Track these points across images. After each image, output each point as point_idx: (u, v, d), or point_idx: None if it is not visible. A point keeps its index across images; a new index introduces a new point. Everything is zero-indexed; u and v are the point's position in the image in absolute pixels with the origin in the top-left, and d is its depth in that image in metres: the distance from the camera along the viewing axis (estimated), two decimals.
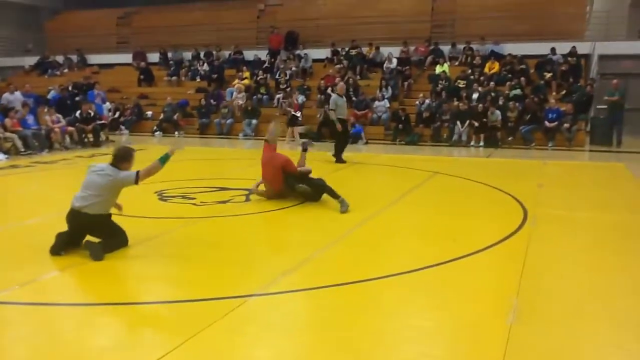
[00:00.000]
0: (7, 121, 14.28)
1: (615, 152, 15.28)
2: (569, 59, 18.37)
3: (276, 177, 7.97)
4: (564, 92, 17.57)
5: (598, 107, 17.56)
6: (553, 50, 18.89)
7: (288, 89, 20.03)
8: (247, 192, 8.18)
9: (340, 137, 12.47)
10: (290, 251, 5.89)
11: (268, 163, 8.05)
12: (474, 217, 7.49)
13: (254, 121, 18.69)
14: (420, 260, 5.42)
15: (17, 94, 16.50)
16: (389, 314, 4.33)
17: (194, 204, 7.89)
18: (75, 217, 5.60)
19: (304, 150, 8.50)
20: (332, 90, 18.83)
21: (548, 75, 18.25)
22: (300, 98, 19.02)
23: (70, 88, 19.40)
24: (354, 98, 18.68)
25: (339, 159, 12.28)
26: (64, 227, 5.70)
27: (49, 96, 19.68)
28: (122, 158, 5.79)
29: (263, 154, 8.18)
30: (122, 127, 19.54)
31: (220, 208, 7.77)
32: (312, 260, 5.53)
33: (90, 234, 5.62)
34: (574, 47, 18.73)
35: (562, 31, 19.80)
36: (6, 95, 16.45)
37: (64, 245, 5.55)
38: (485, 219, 7.36)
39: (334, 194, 7.60)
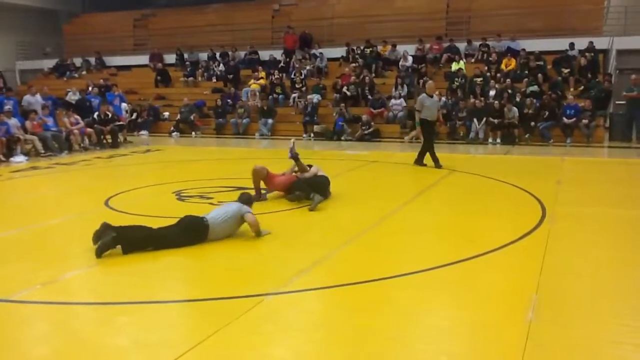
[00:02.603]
0: (28, 123, 14.49)
1: (635, 148, 15.07)
2: (587, 54, 18.14)
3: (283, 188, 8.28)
4: (581, 88, 17.37)
5: (617, 102, 17.33)
6: (572, 45, 18.67)
7: (303, 88, 20.07)
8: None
9: (424, 139, 11.50)
10: (306, 250, 5.91)
11: (279, 185, 8.27)
12: (491, 215, 7.44)
13: (270, 121, 18.74)
14: (437, 259, 5.40)
15: (38, 96, 16.71)
16: (406, 313, 4.32)
17: (212, 204, 7.92)
18: None
19: (295, 158, 8.39)
20: (344, 90, 18.91)
21: (565, 71, 18.05)
22: (316, 97, 19.04)
23: (90, 89, 19.54)
24: (369, 97, 18.67)
25: (418, 160, 11.43)
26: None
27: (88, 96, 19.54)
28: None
29: (278, 179, 8.30)
30: (142, 131, 19.75)
31: None
32: (328, 259, 5.54)
33: None
34: (591, 42, 18.50)
35: (579, 27, 19.59)
36: (27, 97, 16.68)
37: None
38: (503, 217, 7.31)
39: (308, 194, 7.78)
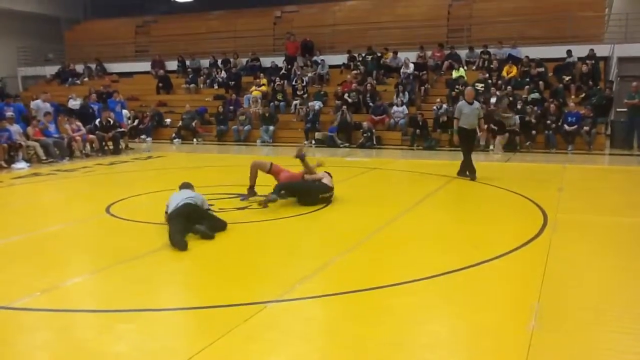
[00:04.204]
0: (29, 130, 14.51)
1: (636, 155, 15.06)
2: (587, 61, 18.17)
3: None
4: (583, 95, 17.39)
5: (618, 110, 17.34)
6: (569, 52, 18.72)
7: (305, 95, 20.10)
8: (264, 199, 8.18)
9: (462, 148, 10.99)
10: (308, 257, 5.90)
11: (283, 179, 8.47)
12: (493, 223, 7.43)
13: (271, 128, 18.77)
14: (439, 267, 5.39)
15: (47, 103, 16.63)
16: (408, 321, 4.31)
17: (213, 211, 7.92)
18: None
19: (301, 158, 8.49)
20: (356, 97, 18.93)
21: (567, 78, 18.07)
22: (317, 104, 19.07)
23: (94, 96, 19.59)
24: (370, 104, 18.69)
25: (461, 171, 10.82)
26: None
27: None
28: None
29: (283, 174, 8.51)
30: (144, 136, 19.79)
31: (238, 214, 7.80)
32: (330, 266, 5.53)
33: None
34: (591, 49, 18.55)
35: (580, 34, 19.63)
36: (37, 102, 16.63)
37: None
38: (504, 224, 7.30)
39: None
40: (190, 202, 6.88)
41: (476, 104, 10.78)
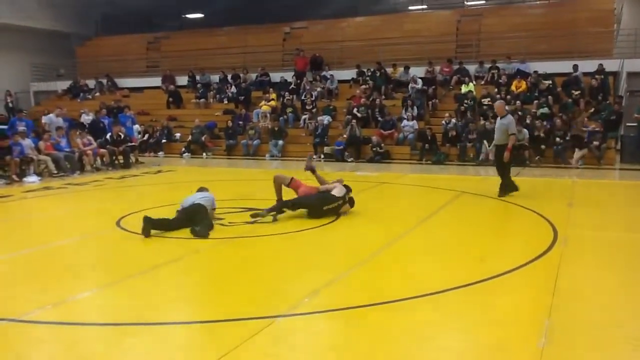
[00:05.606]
0: (41, 144, 14.65)
1: None
2: (596, 76, 18.15)
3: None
4: (592, 110, 17.34)
5: (628, 124, 17.27)
6: (575, 67, 18.69)
7: (314, 110, 20.18)
8: (274, 213, 8.25)
9: (496, 165, 10.53)
10: (317, 272, 5.89)
11: (301, 193, 8.68)
12: (502, 237, 7.40)
13: (280, 142, 18.84)
14: (449, 281, 5.37)
15: (60, 118, 16.85)
16: (418, 336, 4.29)
17: (222, 224, 7.96)
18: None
19: (311, 170, 8.58)
20: (357, 110, 19.01)
21: (576, 93, 18.05)
22: (326, 119, 19.13)
23: (104, 111, 19.83)
24: (379, 118, 18.73)
25: (501, 190, 10.16)
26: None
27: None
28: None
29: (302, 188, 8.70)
30: (158, 153, 20.04)
31: (248, 228, 7.82)
32: (339, 281, 5.52)
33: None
34: (600, 64, 18.53)
35: (590, 49, 19.62)
36: (50, 116, 16.79)
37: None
38: (514, 239, 7.27)
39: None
40: (201, 202, 7.72)
41: (506, 119, 10.14)
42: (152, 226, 7.26)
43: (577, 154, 15.56)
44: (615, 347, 4.06)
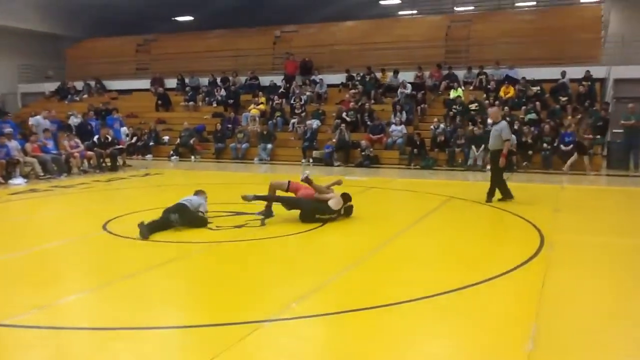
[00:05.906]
0: (28, 146, 14.53)
1: (633, 176, 15.12)
2: (583, 83, 18.32)
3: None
4: (579, 116, 17.50)
5: (614, 131, 17.45)
6: (563, 73, 18.86)
7: (303, 114, 20.20)
8: (262, 217, 8.25)
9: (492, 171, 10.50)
10: (305, 276, 5.88)
11: (301, 196, 8.62)
12: (490, 243, 7.43)
13: (269, 146, 18.82)
14: (436, 286, 5.37)
15: (47, 120, 16.75)
16: (405, 341, 4.29)
17: (210, 229, 7.93)
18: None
19: (307, 182, 8.53)
20: (347, 114, 19.05)
21: (563, 99, 18.20)
22: (315, 123, 19.15)
23: (91, 113, 19.75)
24: (368, 123, 18.77)
25: (488, 196, 10.17)
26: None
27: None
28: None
29: (301, 191, 8.65)
30: (146, 156, 19.96)
31: (236, 232, 7.80)
32: (327, 285, 5.52)
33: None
34: (587, 71, 18.70)
35: (577, 56, 19.81)
36: (37, 118, 16.68)
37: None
38: (501, 245, 7.31)
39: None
40: (185, 203, 7.90)
41: (499, 125, 10.17)
42: (150, 231, 7.28)
43: (571, 159, 15.66)
44: (601, 353, 4.09)
